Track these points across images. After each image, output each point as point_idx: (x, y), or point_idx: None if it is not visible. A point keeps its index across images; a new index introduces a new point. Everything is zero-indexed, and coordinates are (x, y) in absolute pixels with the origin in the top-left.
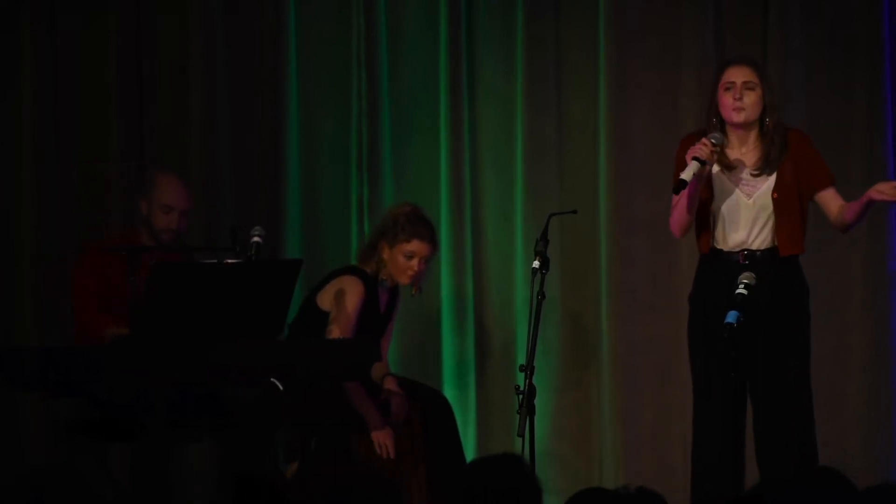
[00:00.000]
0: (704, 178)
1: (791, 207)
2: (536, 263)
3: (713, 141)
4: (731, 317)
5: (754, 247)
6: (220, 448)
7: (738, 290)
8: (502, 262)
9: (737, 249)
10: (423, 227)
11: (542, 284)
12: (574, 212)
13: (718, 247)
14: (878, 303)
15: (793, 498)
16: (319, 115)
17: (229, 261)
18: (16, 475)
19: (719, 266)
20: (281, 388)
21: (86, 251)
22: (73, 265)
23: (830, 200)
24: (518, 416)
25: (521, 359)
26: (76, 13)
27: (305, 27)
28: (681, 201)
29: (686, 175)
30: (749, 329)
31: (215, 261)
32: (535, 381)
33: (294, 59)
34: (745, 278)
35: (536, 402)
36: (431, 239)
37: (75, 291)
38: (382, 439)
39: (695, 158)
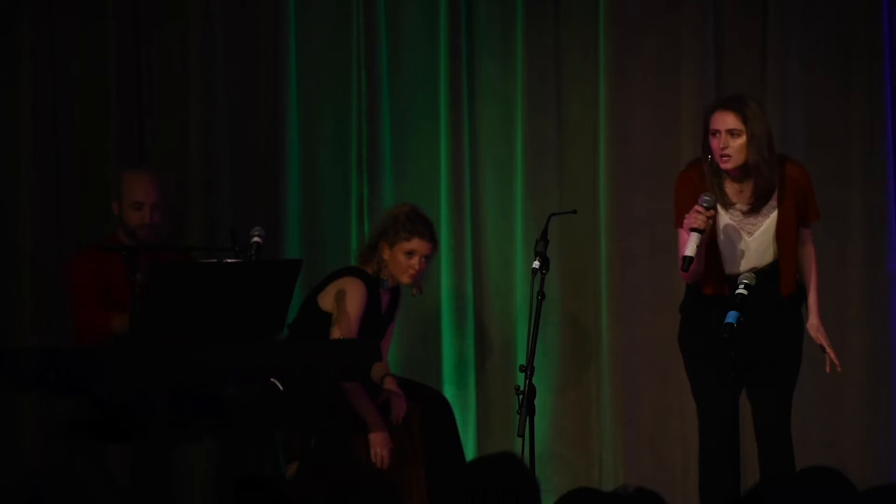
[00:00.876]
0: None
1: (791, 244)
2: (536, 263)
3: (705, 205)
4: (731, 317)
5: (758, 268)
6: (220, 448)
7: (738, 290)
8: (502, 262)
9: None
10: (422, 226)
11: (541, 284)
12: (574, 212)
13: (714, 292)
14: (877, 303)
15: (793, 498)
16: (319, 115)
17: (229, 261)
18: (16, 475)
19: (709, 305)
20: (281, 388)
21: (81, 252)
22: (68, 268)
23: (803, 238)
24: (518, 416)
25: (521, 359)
26: (75, 13)
27: (305, 27)
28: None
29: (690, 251)
30: (746, 329)
31: (215, 261)
32: (535, 381)
33: (294, 60)
34: (745, 278)
35: (536, 402)
36: (431, 237)
37: (73, 293)
38: (378, 445)
39: (693, 230)
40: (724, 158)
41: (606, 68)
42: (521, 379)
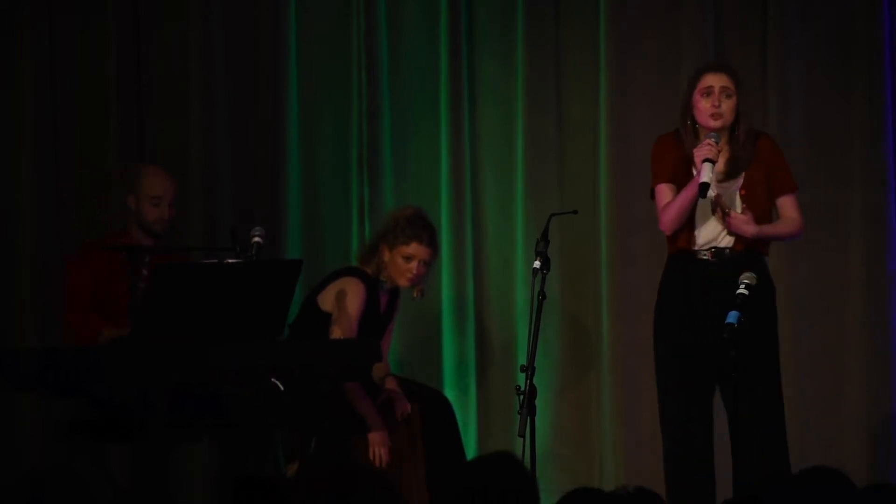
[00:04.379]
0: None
1: (758, 207)
2: (537, 263)
3: (714, 139)
4: (732, 317)
5: (722, 245)
6: (220, 448)
7: (738, 290)
8: (502, 263)
9: (706, 247)
10: (422, 230)
11: (542, 284)
12: (574, 212)
13: (688, 245)
14: (877, 303)
15: (793, 498)
16: (319, 115)
17: (229, 261)
18: (16, 475)
19: (690, 267)
20: (281, 388)
21: (80, 247)
22: (67, 261)
23: (784, 208)
24: (519, 416)
25: (522, 359)
26: (75, 13)
27: (305, 27)
28: (682, 201)
29: (707, 177)
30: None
31: (215, 261)
32: (535, 381)
33: (294, 59)
34: (746, 278)
35: (537, 402)
36: (431, 243)
37: (67, 289)
38: (377, 444)
39: (706, 160)
40: (715, 118)
41: (606, 68)
42: (521, 379)
